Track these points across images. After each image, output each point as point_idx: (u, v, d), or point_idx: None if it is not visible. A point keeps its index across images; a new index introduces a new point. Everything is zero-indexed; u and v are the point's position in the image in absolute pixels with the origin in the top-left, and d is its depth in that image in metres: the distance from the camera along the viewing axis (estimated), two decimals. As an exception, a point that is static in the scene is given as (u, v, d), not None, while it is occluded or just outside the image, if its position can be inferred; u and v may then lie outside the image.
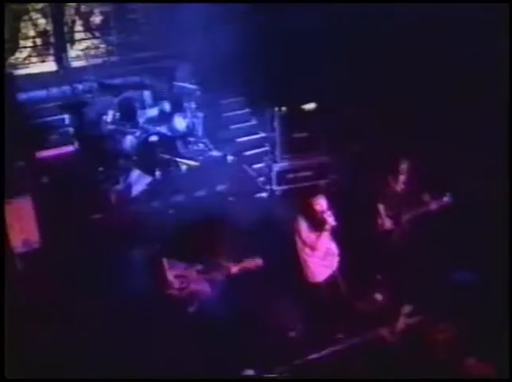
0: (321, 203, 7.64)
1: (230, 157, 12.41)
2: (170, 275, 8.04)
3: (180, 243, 8.24)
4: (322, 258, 7.70)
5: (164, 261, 8.10)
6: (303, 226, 7.67)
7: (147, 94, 12.62)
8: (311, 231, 7.65)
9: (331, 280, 7.78)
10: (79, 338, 7.70)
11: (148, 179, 11.47)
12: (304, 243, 7.65)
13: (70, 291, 8.58)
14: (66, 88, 12.76)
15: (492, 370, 6.64)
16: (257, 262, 8.02)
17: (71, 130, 12.13)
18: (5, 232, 8.58)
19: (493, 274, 7.87)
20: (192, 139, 12.65)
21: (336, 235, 7.86)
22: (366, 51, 10.75)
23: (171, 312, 8.11)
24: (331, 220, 7.53)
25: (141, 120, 12.22)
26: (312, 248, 7.63)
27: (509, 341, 6.66)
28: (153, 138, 12.02)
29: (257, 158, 12.36)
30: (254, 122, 13.47)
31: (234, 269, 8.03)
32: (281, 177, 11.39)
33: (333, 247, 7.84)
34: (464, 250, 8.46)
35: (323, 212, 7.58)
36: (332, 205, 7.74)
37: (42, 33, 13.63)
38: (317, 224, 7.61)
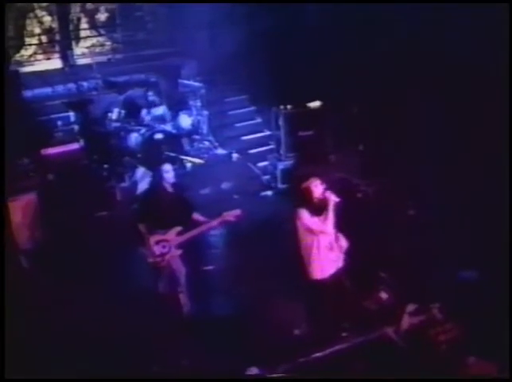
0: (317, 184, 7.48)
1: (235, 155, 12.42)
2: (151, 241, 8.16)
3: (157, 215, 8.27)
4: (330, 248, 7.59)
5: (141, 227, 8.22)
6: (305, 215, 7.45)
7: (152, 92, 12.61)
8: (314, 216, 7.46)
9: (337, 278, 7.74)
10: (80, 337, 7.69)
11: (153, 177, 11.48)
12: (312, 231, 7.45)
13: (73, 288, 8.59)
14: (71, 86, 12.82)
15: (495, 369, 6.64)
16: (236, 212, 8.25)
17: (76, 127, 12.15)
18: (10, 229, 8.59)
19: (498, 273, 7.86)
20: (197, 137, 12.67)
21: (341, 232, 7.83)
22: (371, 49, 10.73)
23: (175, 309, 8.13)
24: (333, 197, 7.38)
25: (146, 118, 12.22)
26: (322, 232, 7.47)
27: (509, 340, 6.65)
28: (158, 136, 12.02)
29: (262, 156, 12.38)
30: (259, 120, 13.50)
31: (214, 223, 8.27)
32: (286, 175, 11.38)
33: (340, 239, 7.75)
34: (469, 249, 8.45)
35: (322, 193, 7.43)
36: (338, 204, 7.70)
37: (48, 31, 13.70)
38: (319, 207, 7.45)
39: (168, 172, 8.51)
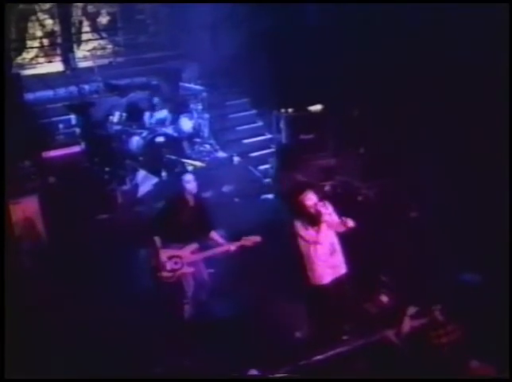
0: (311, 197, 7.51)
1: (236, 159, 12.42)
2: (163, 256, 7.99)
3: (174, 227, 8.13)
4: (329, 254, 7.62)
5: (157, 240, 8.05)
6: (300, 226, 7.56)
7: (154, 95, 12.62)
8: (309, 229, 7.52)
9: (337, 281, 7.75)
10: (81, 339, 7.71)
11: (154, 180, 11.50)
12: (307, 241, 7.56)
13: (74, 290, 8.60)
14: (73, 89, 12.79)
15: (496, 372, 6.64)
16: (255, 239, 8.06)
17: (77, 130, 12.15)
18: (12, 231, 8.60)
19: (499, 275, 7.86)
20: (198, 140, 12.68)
21: (342, 236, 7.83)
22: (372, 52, 10.75)
23: (176, 310, 8.11)
24: (323, 209, 7.43)
25: (147, 121, 12.22)
26: (316, 243, 7.55)
27: (509, 340, 6.66)
28: (160, 139, 12.02)
29: (264, 160, 12.39)
30: (260, 123, 13.51)
31: (233, 247, 8.06)
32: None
33: (339, 245, 7.78)
34: (470, 251, 8.45)
35: (315, 205, 7.47)
36: (338, 207, 7.72)
37: (49, 34, 13.68)
38: (313, 220, 7.50)
39: (190, 182, 8.28)
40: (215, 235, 8.31)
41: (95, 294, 8.47)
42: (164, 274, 8.02)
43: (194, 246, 8.12)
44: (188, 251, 8.08)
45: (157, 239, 8.08)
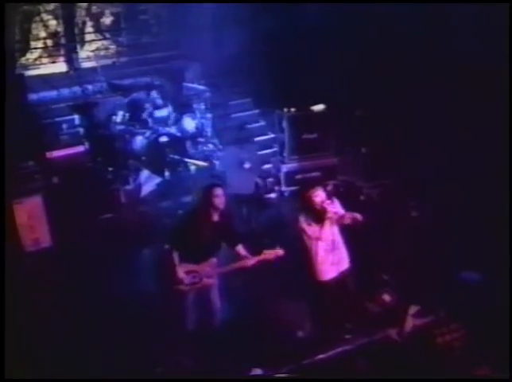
0: (320, 194, 7.57)
1: (238, 158, 12.42)
2: (181, 271, 7.68)
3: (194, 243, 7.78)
4: (330, 250, 7.67)
5: (175, 256, 7.73)
6: (306, 222, 7.64)
7: (157, 95, 12.63)
8: (314, 225, 7.61)
9: (340, 280, 7.79)
10: (82, 339, 7.74)
11: (157, 179, 11.51)
12: (309, 236, 7.64)
13: (77, 290, 8.64)
14: (76, 89, 12.80)
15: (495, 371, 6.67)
16: (278, 252, 7.64)
17: (81, 130, 12.15)
18: (15, 231, 8.65)
19: (500, 274, 7.88)
20: (201, 140, 12.65)
21: (344, 235, 7.86)
22: (375, 52, 10.77)
23: (178, 310, 8.13)
24: (330, 207, 7.49)
25: (150, 121, 12.21)
26: (318, 239, 7.60)
27: (509, 340, 6.68)
28: (163, 139, 12.01)
29: (266, 159, 12.40)
30: (262, 123, 13.50)
31: (252, 262, 7.67)
32: (290, 178, 11.41)
33: (341, 242, 7.82)
34: (472, 250, 8.46)
35: (321, 203, 7.52)
36: (341, 207, 7.75)
37: (53, 34, 13.69)
38: (318, 216, 7.58)
39: (219, 196, 7.65)
40: (241, 249, 7.81)
41: (98, 294, 8.50)
42: (184, 287, 7.74)
43: (213, 260, 7.82)
44: (206, 266, 7.76)
45: (175, 255, 7.72)
